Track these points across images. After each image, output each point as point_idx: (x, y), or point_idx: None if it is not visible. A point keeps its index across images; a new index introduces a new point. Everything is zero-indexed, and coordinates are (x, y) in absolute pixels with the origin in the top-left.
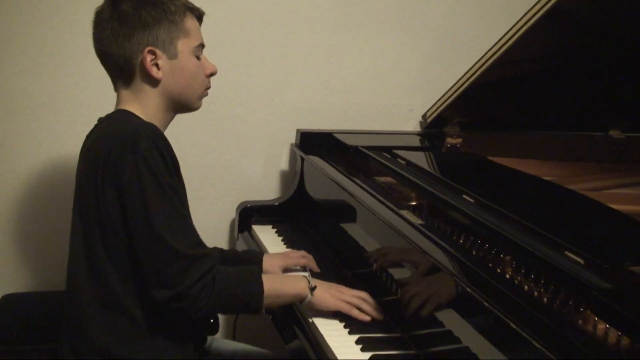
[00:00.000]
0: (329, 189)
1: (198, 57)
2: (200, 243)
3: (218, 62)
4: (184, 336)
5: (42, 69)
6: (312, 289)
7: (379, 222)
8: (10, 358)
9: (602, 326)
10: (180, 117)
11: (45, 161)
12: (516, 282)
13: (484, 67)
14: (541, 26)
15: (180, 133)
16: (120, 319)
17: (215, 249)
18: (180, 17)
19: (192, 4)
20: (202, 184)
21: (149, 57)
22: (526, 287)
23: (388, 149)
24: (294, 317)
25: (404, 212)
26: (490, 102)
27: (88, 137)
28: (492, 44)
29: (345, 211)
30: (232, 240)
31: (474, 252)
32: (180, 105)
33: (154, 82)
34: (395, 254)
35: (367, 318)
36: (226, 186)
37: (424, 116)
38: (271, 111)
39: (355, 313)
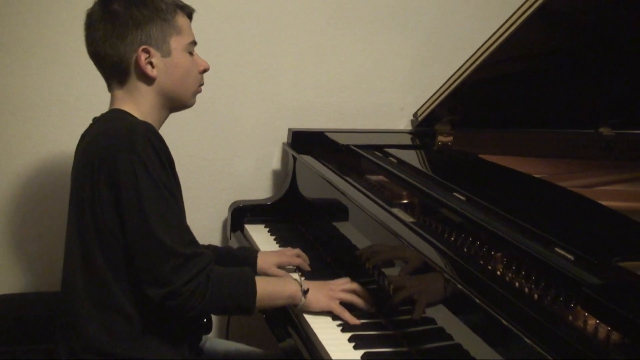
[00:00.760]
0: (321, 188)
1: (191, 54)
2: (194, 242)
3: (210, 61)
4: (178, 335)
5: (34, 70)
6: (305, 292)
7: (371, 221)
8: (5, 358)
9: (592, 322)
10: (172, 117)
11: (39, 162)
12: (507, 278)
13: (475, 65)
14: (531, 24)
15: (173, 133)
16: (116, 318)
17: (209, 246)
18: (172, 14)
19: (181, 2)
20: (195, 183)
21: (143, 56)
22: (517, 284)
23: (380, 148)
24: (286, 316)
25: (395, 210)
26: (481, 100)
27: (83, 137)
28: (483, 42)
29: (337, 210)
30: (224, 239)
31: (465, 250)
32: (175, 102)
33: (148, 80)
34: (387, 252)
35: (357, 322)
36: (218, 186)
37: (415, 115)
38: (263, 110)
39: (346, 316)
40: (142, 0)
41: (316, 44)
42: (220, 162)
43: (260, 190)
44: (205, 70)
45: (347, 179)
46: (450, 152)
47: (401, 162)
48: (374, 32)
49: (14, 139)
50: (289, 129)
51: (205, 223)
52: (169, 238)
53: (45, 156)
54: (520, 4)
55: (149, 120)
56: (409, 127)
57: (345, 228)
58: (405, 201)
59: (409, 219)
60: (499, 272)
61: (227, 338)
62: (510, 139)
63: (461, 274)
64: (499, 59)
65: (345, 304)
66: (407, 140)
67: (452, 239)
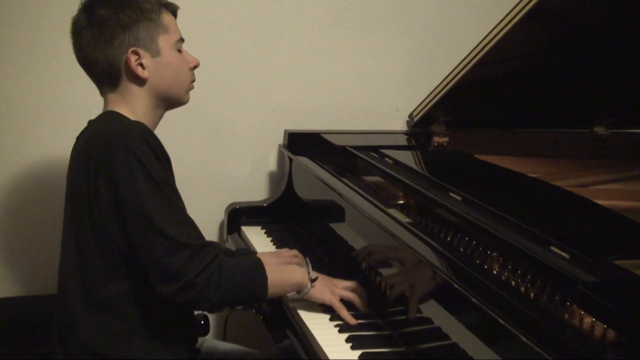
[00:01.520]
0: (318, 189)
1: (180, 52)
2: (200, 235)
3: (206, 63)
4: (176, 337)
5: (29, 73)
6: (312, 280)
7: (368, 221)
8: None
9: (588, 320)
10: (168, 119)
11: (35, 164)
12: (503, 278)
13: (469, 65)
14: (525, 24)
15: (169, 135)
16: (112, 320)
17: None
18: (157, 14)
19: (165, 0)
20: (191, 185)
21: (133, 58)
22: (513, 283)
23: (375, 149)
24: (284, 317)
25: (392, 211)
26: (476, 101)
27: (78, 139)
28: (477, 42)
29: (333, 211)
30: (221, 241)
31: (461, 249)
32: (169, 101)
33: (140, 81)
34: (383, 253)
35: (354, 322)
36: (214, 188)
37: (410, 115)
38: (259, 112)
39: (344, 314)
40: (127, 2)
41: (312, 45)
42: (217, 164)
43: (257, 191)
44: (195, 67)
45: (343, 180)
46: (446, 153)
47: (397, 163)
48: (370, 33)
49: (10, 141)
50: (285, 131)
51: (202, 225)
52: (175, 232)
53: (40, 159)
54: (515, 4)
55: (144, 120)
56: (405, 128)
57: (341, 229)
58: (401, 202)
59: (405, 219)
60: (495, 272)
61: (224, 339)
62: (506, 139)
63: (457, 273)
64: (494, 59)
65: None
66: (403, 141)
67: (449, 238)
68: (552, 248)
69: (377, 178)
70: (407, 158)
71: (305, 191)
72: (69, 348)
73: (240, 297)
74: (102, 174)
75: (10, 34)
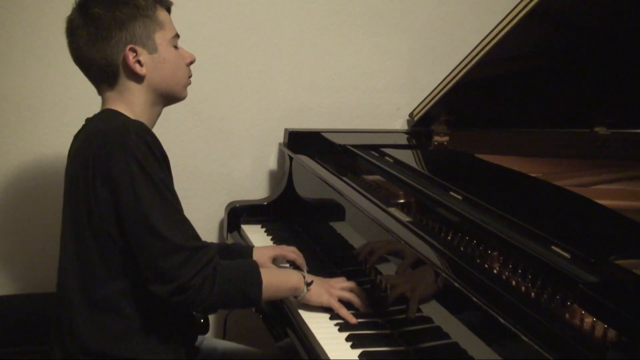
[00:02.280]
0: (318, 188)
1: (175, 48)
2: (197, 236)
3: (207, 62)
4: (175, 336)
5: (29, 71)
6: (308, 284)
7: (368, 220)
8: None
9: (588, 320)
10: (168, 117)
11: (34, 163)
12: (504, 277)
13: (470, 65)
14: (526, 24)
15: (169, 133)
16: (111, 319)
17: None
18: (152, 10)
19: None
20: (191, 184)
21: (130, 55)
22: (514, 282)
23: (376, 148)
24: (283, 316)
25: (392, 210)
26: (477, 100)
27: (76, 137)
28: (478, 42)
29: (334, 210)
30: (221, 240)
31: (462, 249)
32: (168, 97)
33: (138, 79)
34: (384, 252)
35: (354, 320)
36: (215, 186)
37: (411, 114)
38: (259, 111)
39: (343, 313)
40: (121, 0)
41: (312, 44)
42: (217, 163)
43: (257, 190)
44: (191, 62)
45: (344, 178)
46: (447, 152)
47: (397, 162)
48: (370, 32)
49: (9, 139)
50: (285, 129)
51: (202, 223)
52: (171, 233)
53: (39, 157)
54: (516, 3)
55: (142, 118)
56: (405, 127)
57: (342, 228)
58: (401, 201)
59: (405, 218)
60: (495, 271)
61: (224, 338)
62: (507, 138)
63: (458, 272)
64: (494, 58)
65: (342, 304)
66: (403, 140)
67: (449, 238)
68: (553, 248)
69: (377, 177)
70: (407, 157)
71: (305, 190)
72: (68, 347)
73: (233, 300)
74: (100, 173)
75: (10, 32)
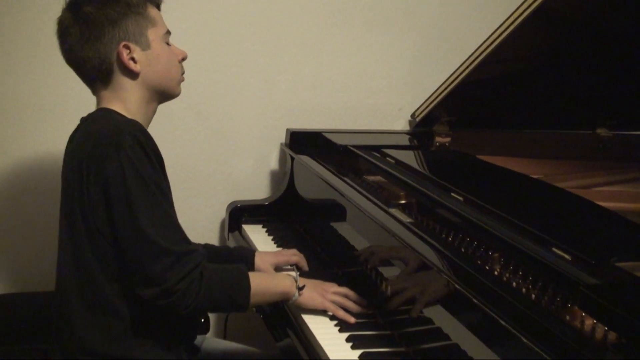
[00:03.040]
0: (319, 188)
1: (167, 44)
2: (186, 240)
3: (208, 62)
4: (174, 335)
5: (31, 70)
6: (300, 288)
7: (369, 221)
8: (1, 358)
9: (589, 322)
10: (170, 117)
11: (34, 161)
12: (505, 279)
13: (472, 65)
14: (529, 25)
15: (170, 132)
16: (109, 319)
17: (206, 245)
18: (143, 7)
19: None
20: (192, 183)
21: (124, 52)
22: (514, 284)
23: (377, 148)
24: (284, 316)
25: (393, 211)
26: (479, 101)
27: (71, 138)
28: (480, 43)
29: (335, 210)
30: (222, 240)
31: (463, 250)
32: (162, 94)
33: (133, 76)
34: (385, 252)
35: (352, 320)
36: (216, 186)
37: (412, 115)
38: (261, 111)
39: (340, 314)
40: None
41: (314, 44)
42: (218, 162)
43: (258, 190)
44: (183, 59)
45: (345, 179)
46: (448, 153)
47: (399, 163)
48: (372, 32)
49: (7, 138)
50: (287, 129)
51: (203, 223)
52: (159, 236)
53: (37, 157)
54: (518, 4)
55: (137, 116)
56: (407, 128)
57: (343, 228)
58: (403, 202)
59: (406, 219)
60: (496, 272)
61: (224, 338)
62: (508, 139)
63: (459, 274)
64: (496, 59)
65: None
66: (405, 140)
67: (450, 239)
68: (554, 249)
69: (378, 178)
70: (409, 158)
71: (306, 190)
72: (67, 346)
73: (220, 305)
74: (93, 174)
75: (11, 31)
